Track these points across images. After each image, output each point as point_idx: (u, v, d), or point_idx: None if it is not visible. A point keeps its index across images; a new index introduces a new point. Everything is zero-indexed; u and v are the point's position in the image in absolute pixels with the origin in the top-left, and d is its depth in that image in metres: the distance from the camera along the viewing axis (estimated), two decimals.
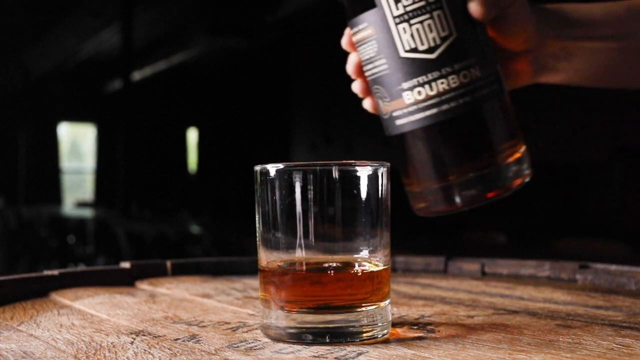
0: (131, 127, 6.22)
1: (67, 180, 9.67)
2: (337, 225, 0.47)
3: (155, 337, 0.49)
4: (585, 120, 3.86)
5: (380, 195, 0.48)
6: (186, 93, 8.51)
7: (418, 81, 0.59)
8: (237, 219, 5.49)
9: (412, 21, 0.59)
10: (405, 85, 0.60)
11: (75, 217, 6.12)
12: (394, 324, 0.52)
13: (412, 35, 0.59)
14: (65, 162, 9.76)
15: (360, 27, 0.61)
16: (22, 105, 8.58)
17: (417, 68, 0.59)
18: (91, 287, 0.70)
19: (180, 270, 0.79)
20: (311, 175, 0.47)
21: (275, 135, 7.10)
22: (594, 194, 3.92)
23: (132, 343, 0.47)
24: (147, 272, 0.77)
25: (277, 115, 7.09)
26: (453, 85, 0.59)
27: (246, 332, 0.51)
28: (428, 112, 0.59)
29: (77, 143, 10.36)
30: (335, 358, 0.43)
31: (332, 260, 0.48)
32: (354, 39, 0.63)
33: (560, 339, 0.47)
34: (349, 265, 0.48)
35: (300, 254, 0.47)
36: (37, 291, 0.67)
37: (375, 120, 0.66)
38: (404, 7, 0.59)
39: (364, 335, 0.47)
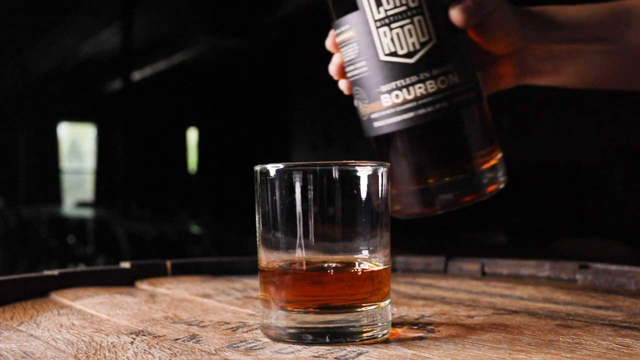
0: (131, 127, 6.22)
1: (67, 180, 9.67)
2: (337, 225, 0.47)
3: (155, 337, 0.49)
4: (586, 120, 3.86)
5: (380, 195, 0.48)
6: (186, 93, 8.51)
7: (396, 85, 0.60)
8: (237, 219, 5.49)
9: (393, 25, 0.60)
10: (384, 88, 0.60)
11: (75, 217, 6.12)
12: (394, 324, 0.52)
13: (392, 39, 0.60)
14: (65, 162, 9.76)
15: (343, 28, 0.62)
16: (22, 105, 8.59)
17: (395, 72, 0.60)
18: (91, 287, 0.70)
19: (180, 270, 0.79)
20: (311, 175, 0.47)
21: (275, 135, 7.10)
22: (594, 194, 3.92)
23: (132, 343, 0.47)
24: (147, 272, 0.77)
25: (277, 115, 7.09)
26: (430, 91, 0.60)
27: (246, 332, 0.51)
28: (405, 116, 0.60)
29: (77, 143, 10.36)
30: (335, 358, 0.43)
31: (332, 260, 0.48)
32: (337, 40, 0.64)
33: (560, 339, 0.47)
34: (349, 265, 0.48)
35: (300, 254, 0.47)
36: (37, 291, 0.67)
37: None
38: (385, 11, 0.60)
39: (364, 335, 0.47)
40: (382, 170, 0.49)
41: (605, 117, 3.74)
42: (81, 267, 0.96)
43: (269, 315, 0.48)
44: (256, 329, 0.52)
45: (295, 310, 0.47)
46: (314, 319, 0.47)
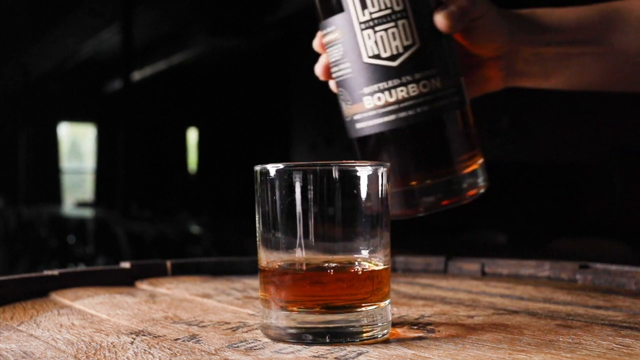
0: (131, 127, 6.22)
1: (67, 180, 9.67)
2: (337, 225, 0.47)
3: (155, 337, 0.49)
4: (585, 120, 3.86)
5: (380, 195, 0.48)
6: (186, 93, 8.51)
7: (379, 87, 0.61)
8: (237, 219, 5.49)
9: (377, 28, 0.60)
10: (367, 90, 0.61)
11: (75, 217, 6.12)
12: (394, 324, 0.52)
13: (375, 42, 0.60)
14: (65, 162, 9.76)
15: (329, 29, 0.63)
16: (22, 105, 8.58)
17: (378, 74, 0.61)
18: (91, 287, 0.70)
19: (180, 270, 0.79)
20: (311, 175, 0.47)
21: (275, 135, 7.10)
22: (593, 194, 3.92)
23: (132, 343, 0.47)
24: (147, 272, 0.77)
25: (277, 115, 7.09)
26: (412, 94, 0.60)
27: (246, 332, 0.51)
28: (386, 118, 0.61)
29: (77, 143, 10.36)
30: (335, 358, 0.43)
31: (332, 260, 0.48)
32: (324, 40, 0.64)
33: (560, 339, 0.47)
34: (349, 265, 0.48)
35: (300, 254, 0.47)
36: (37, 291, 0.67)
37: None
38: (370, 13, 0.60)
39: (364, 335, 0.47)
40: (382, 170, 0.49)
41: (604, 117, 3.74)
42: (81, 267, 0.96)
43: (269, 315, 0.48)
44: (256, 329, 0.52)
45: (295, 310, 0.47)
46: (314, 319, 0.47)
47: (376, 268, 0.48)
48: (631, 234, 3.18)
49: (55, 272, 0.70)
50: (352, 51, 0.61)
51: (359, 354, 0.44)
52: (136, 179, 7.17)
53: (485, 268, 0.80)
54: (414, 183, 0.61)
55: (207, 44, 6.38)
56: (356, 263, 0.48)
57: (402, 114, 0.60)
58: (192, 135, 9.43)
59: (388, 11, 0.60)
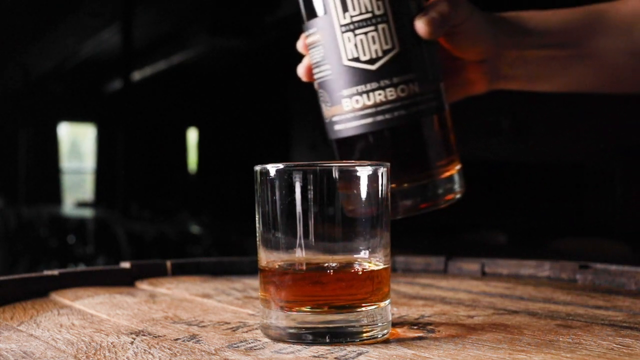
0: (131, 127, 6.22)
1: (67, 180, 9.67)
2: (337, 225, 0.47)
3: (155, 337, 0.49)
4: (586, 120, 3.86)
5: (380, 195, 0.48)
6: (186, 93, 8.51)
7: (357, 90, 0.61)
8: (237, 219, 5.49)
9: (357, 31, 0.61)
10: (345, 92, 0.62)
11: (75, 217, 6.12)
12: (394, 324, 0.52)
13: (355, 45, 0.61)
14: (65, 162, 9.76)
15: (311, 31, 0.63)
16: (22, 105, 8.58)
17: (357, 77, 0.61)
18: (91, 287, 0.70)
19: (180, 270, 0.79)
20: (311, 175, 0.47)
21: (275, 135, 7.10)
22: (594, 194, 3.92)
23: (132, 343, 0.47)
24: (147, 272, 0.77)
25: (277, 115, 7.09)
26: (390, 98, 0.60)
27: (246, 332, 0.51)
28: (364, 121, 0.61)
29: (77, 143, 10.36)
30: (335, 358, 0.43)
31: (332, 260, 0.48)
32: (306, 42, 0.64)
33: (560, 339, 0.47)
34: (349, 265, 0.48)
35: (300, 254, 0.47)
36: (37, 291, 0.67)
37: None
38: (351, 17, 0.61)
39: (364, 335, 0.47)
40: (382, 170, 0.49)
41: (605, 117, 3.73)
42: (81, 267, 0.96)
43: (269, 315, 0.48)
44: (256, 329, 0.52)
45: (295, 310, 0.47)
46: (314, 319, 0.47)
47: (376, 268, 0.48)
48: (631, 234, 3.18)
49: (55, 272, 0.70)
50: (333, 53, 0.62)
51: (359, 354, 0.44)
52: (136, 179, 7.17)
53: (485, 268, 0.80)
54: (392, 186, 0.61)
55: (207, 44, 6.37)
56: (356, 263, 0.48)
57: (380, 118, 0.61)
58: (192, 135, 9.43)
59: (368, 15, 0.60)
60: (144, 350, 0.45)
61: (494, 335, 0.49)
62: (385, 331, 0.49)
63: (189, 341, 0.48)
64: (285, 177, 0.47)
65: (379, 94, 0.60)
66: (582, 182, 4.02)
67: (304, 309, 0.47)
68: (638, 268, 0.71)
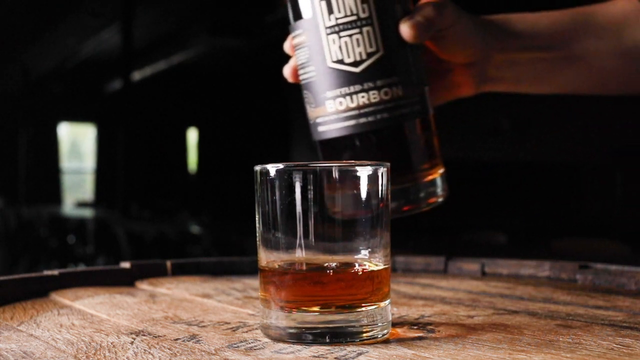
0: (131, 127, 6.22)
1: (67, 180, 9.67)
2: (337, 226, 0.47)
3: (155, 337, 0.49)
4: (586, 120, 3.86)
5: (380, 195, 0.48)
6: (186, 93, 8.51)
7: (340, 92, 0.61)
8: (237, 219, 5.49)
9: (342, 34, 0.61)
10: (329, 94, 0.62)
11: (75, 217, 6.12)
12: (394, 324, 0.52)
13: (340, 47, 0.61)
14: (65, 162, 9.76)
15: (297, 32, 0.64)
16: (22, 105, 8.58)
17: (341, 79, 0.61)
18: (91, 287, 0.70)
19: (180, 270, 0.79)
20: (311, 175, 0.47)
21: (275, 135, 7.10)
22: (594, 194, 3.92)
23: (132, 343, 0.47)
24: (147, 272, 0.77)
25: (277, 115, 7.08)
26: (373, 101, 0.61)
27: (246, 332, 0.51)
28: (346, 123, 0.62)
29: (77, 143, 10.36)
30: (335, 358, 0.43)
31: (332, 260, 0.48)
32: (293, 43, 0.64)
33: (560, 339, 0.47)
34: (349, 265, 0.48)
35: (300, 254, 0.47)
36: (37, 291, 0.67)
37: None
38: (336, 19, 0.61)
39: (364, 335, 0.47)
40: (382, 170, 0.49)
41: (605, 117, 3.74)
42: (81, 267, 0.96)
43: (269, 315, 0.48)
44: (256, 329, 0.52)
45: (295, 310, 0.47)
46: (314, 319, 0.47)
47: (376, 268, 0.48)
48: (631, 234, 3.18)
49: (55, 272, 0.70)
50: (317, 55, 0.62)
51: (359, 354, 0.44)
52: (136, 179, 7.17)
53: (485, 268, 0.80)
54: None
55: (207, 44, 6.37)
56: (356, 263, 0.48)
57: (363, 120, 0.61)
58: (192, 135, 9.43)
59: (353, 17, 0.61)
60: (144, 350, 0.45)
61: (494, 335, 0.49)
62: (385, 331, 0.49)
63: (189, 341, 0.48)
64: (285, 177, 0.47)
65: (363, 97, 0.61)
66: (582, 182, 4.02)
67: (304, 309, 0.47)
68: (638, 268, 0.71)
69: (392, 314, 0.52)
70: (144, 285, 0.73)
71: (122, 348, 0.46)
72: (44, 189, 8.82)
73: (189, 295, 0.67)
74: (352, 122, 0.61)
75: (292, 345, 0.47)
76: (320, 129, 0.63)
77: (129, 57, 5.97)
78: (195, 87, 8.33)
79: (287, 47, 0.68)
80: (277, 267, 0.48)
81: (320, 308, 0.47)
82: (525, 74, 0.74)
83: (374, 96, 0.60)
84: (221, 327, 0.53)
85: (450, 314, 0.57)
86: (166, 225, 4.73)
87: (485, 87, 0.74)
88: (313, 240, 0.47)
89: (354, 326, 0.47)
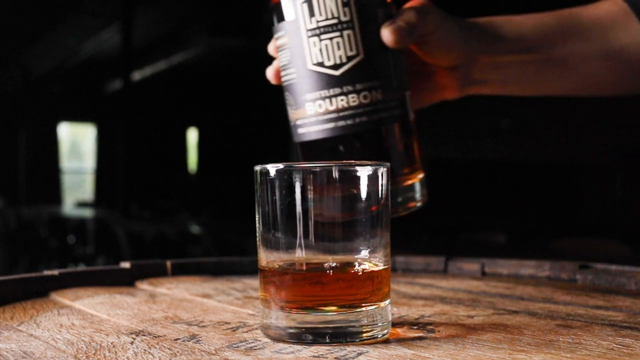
0: (131, 127, 6.22)
1: (67, 180, 9.67)
2: (337, 225, 0.47)
3: (155, 337, 0.49)
4: (586, 120, 3.86)
5: (380, 195, 0.48)
6: (186, 93, 8.51)
7: (320, 94, 0.61)
8: (237, 219, 5.49)
9: (323, 36, 0.61)
10: (309, 96, 0.62)
11: (75, 217, 6.12)
12: (394, 324, 0.52)
13: (320, 50, 0.61)
14: (65, 162, 9.76)
15: (280, 34, 0.64)
16: (22, 105, 8.58)
17: (321, 82, 0.61)
18: (91, 287, 0.70)
19: (180, 270, 0.79)
20: (311, 175, 0.47)
21: (275, 135, 7.10)
22: (594, 194, 3.92)
23: (132, 343, 0.47)
24: (147, 272, 0.77)
25: (277, 115, 7.08)
26: (352, 104, 0.61)
27: (246, 332, 0.51)
28: (325, 126, 0.62)
29: (77, 143, 10.36)
30: (335, 358, 0.43)
31: (332, 260, 0.48)
32: (276, 44, 0.65)
33: (560, 339, 0.47)
34: (349, 265, 0.48)
35: (300, 254, 0.47)
36: (37, 291, 0.67)
37: None
38: (317, 21, 0.61)
39: (364, 335, 0.47)
40: (382, 170, 0.49)
41: (605, 117, 3.74)
42: (81, 267, 0.96)
43: (269, 315, 0.48)
44: (256, 329, 0.52)
45: (295, 310, 0.47)
46: (314, 319, 0.47)
47: (376, 268, 0.48)
48: (631, 234, 3.18)
49: (55, 272, 0.70)
50: (298, 57, 0.62)
51: (359, 354, 0.44)
52: (136, 179, 7.17)
53: (485, 268, 0.80)
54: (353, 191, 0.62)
55: (207, 44, 6.37)
56: (356, 263, 0.48)
57: (341, 123, 0.61)
58: (192, 135, 9.43)
59: (334, 21, 0.61)
60: (144, 350, 0.45)
61: (494, 335, 0.49)
62: (385, 331, 0.49)
63: (189, 341, 0.48)
64: (285, 177, 0.47)
65: (342, 100, 0.61)
66: (582, 182, 4.02)
67: (303, 309, 0.47)
68: (638, 268, 0.71)
69: (392, 314, 0.52)
70: (144, 285, 0.73)
71: (122, 348, 0.46)
72: (44, 189, 8.82)
73: (189, 295, 0.67)
74: (330, 125, 0.61)
75: (292, 345, 0.47)
76: (300, 131, 0.63)
77: (129, 57, 5.97)
78: (195, 87, 8.33)
79: (270, 48, 0.68)
80: (277, 267, 0.48)
81: (320, 308, 0.47)
82: (510, 76, 0.73)
83: (353, 99, 0.61)
84: (221, 327, 0.53)
85: (450, 314, 0.57)
86: (166, 225, 4.73)
87: (470, 90, 0.73)
88: (313, 240, 0.47)
89: (354, 326, 0.47)
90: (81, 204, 8.26)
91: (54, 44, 7.19)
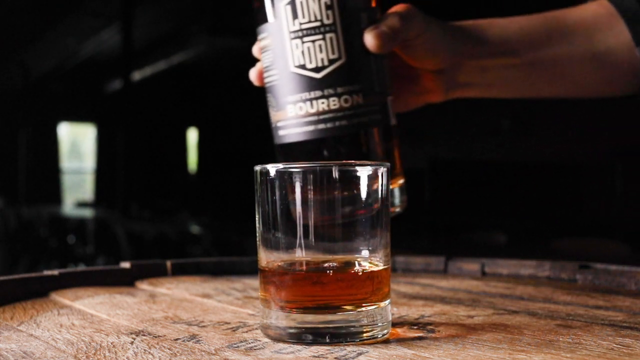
0: (131, 127, 6.22)
1: (67, 180, 9.67)
2: (337, 226, 0.47)
3: (155, 337, 0.49)
4: (586, 120, 3.86)
5: (380, 195, 0.48)
6: (186, 93, 8.51)
7: (301, 97, 0.61)
8: (237, 219, 5.49)
9: (305, 39, 0.61)
10: (290, 98, 0.62)
11: (75, 217, 6.13)
12: (394, 324, 0.52)
13: (302, 53, 0.61)
14: (65, 162, 9.76)
15: (263, 35, 0.64)
16: (22, 105, 8.58)
17: (302, 84, 0.61)
18: (91, 287, 0.70)
19: (180, 270, 0.79)
20: (311, 175, 0.47)
21: None
22: (594, 194, 3.92)
23: (132, 343, 0.47)
24: (147, 272, 0.77)
25: None
26: (332, 107, 0.61)
27: (246, 332, 0.51)
28: (305, 128, 0.62)
29: (77, 143, 10.36)
30: (335, 358, 0.43)
31: (332, 260, 0.48)
32: (259, 46, 0.65)
33: (560, 339, 0.47)
34: (349, 265, 0.48)
35: (300, 254, 0.47)
36: (37, 291, 0.67)
37: None
38: (300, 24, 0.61)
39: (364, 335, 0.47)
40: (382, 170, 0.49)
41: (605, 117, 3.74)
42: (81, 267, 0.96)
43: (269, 315, 0.48)
44: (256, 329, 0.52)
45: (295, 310, 0.47)
46: (314, 319, 0.47)
47: (376, 268, 0.48)
48: (631, 234, 3.18)
49: (55, 272, 0.70)
50: (281, 59, 0.62)
51: (359, 354, 0.44)
52: (136, 179, 7.17)
53: (485, 268, 0.80)
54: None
55: (207, 44, 6.37)
56: (356, 263, 0.48)
57: (321, 126, 0.61)
58: (192, 135, 9.43)
59: (317, 23, 0.61)
60: (144, 350, 0.45)
61: (494, 335, 0.49)
62: (385, 331, 0.49)
63: (189, 341, 0.48)
64: (285, 177, 0.47)
65: (322, 103, 0.61)
66: (583, 182, 4.02)
67: (303, 309, 0.47)
68: (638, 268, 0.71)
69: (392, 314, 0.52)
70: (144, 285, 0.73)
71: (122, 348, 0.46)
72: (44, 189, 8.82)
73: (189, 295, 0.67)
74: (310, 128, 0.61)
75: (292, 345, 0.47)
76: (281, 132, 0.63)
77: (129, 57, 5.97)
78: (195, 87, 8.33)
79: (254, 50, 0.68)
80: (277, 267, 0.48)
81: (320, 308, 0.47)
82: (496, 79, 0.73)
83: (333, 103, 0.61)
84: (221, 327, 0.53)
85: (450, 314, 0.57)
86: (166, 225, 4.73)
87: (455, 93, 0.73)
88: (313, 240, 0.47)
89: (354, 326, 0.47)
90: (81, 204, 8.26)
91: (54, 44, 7.19)
